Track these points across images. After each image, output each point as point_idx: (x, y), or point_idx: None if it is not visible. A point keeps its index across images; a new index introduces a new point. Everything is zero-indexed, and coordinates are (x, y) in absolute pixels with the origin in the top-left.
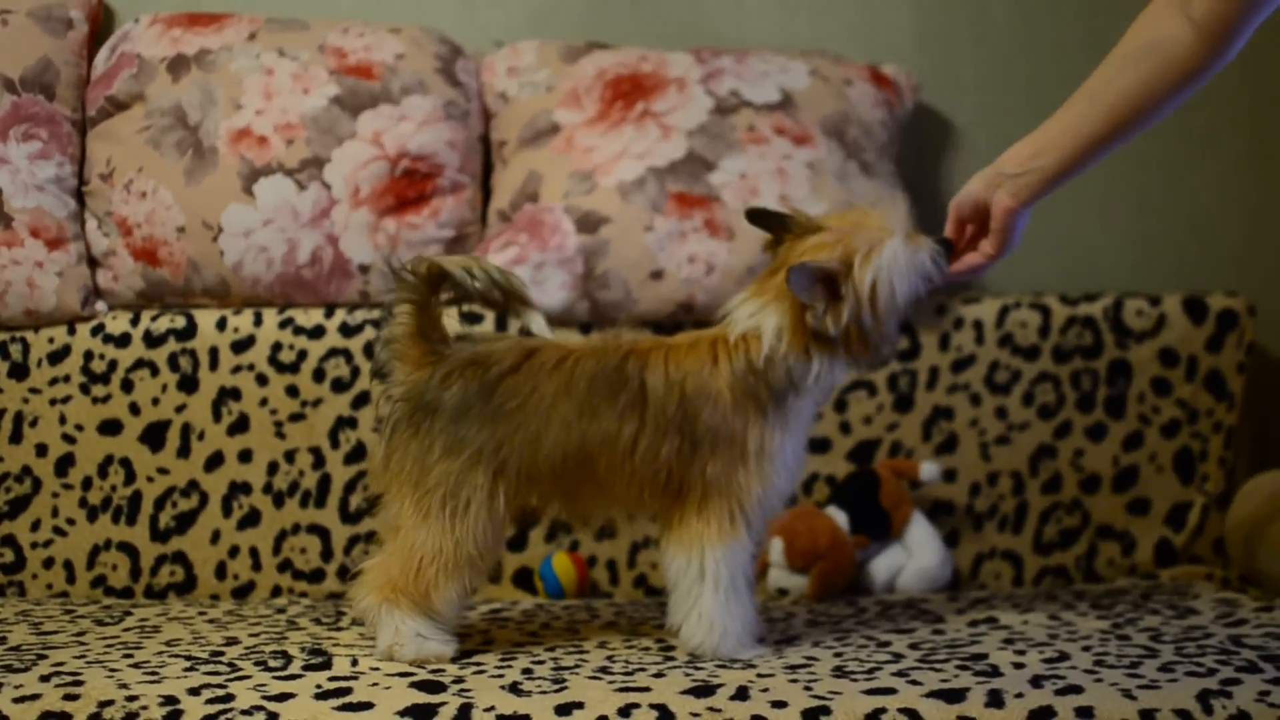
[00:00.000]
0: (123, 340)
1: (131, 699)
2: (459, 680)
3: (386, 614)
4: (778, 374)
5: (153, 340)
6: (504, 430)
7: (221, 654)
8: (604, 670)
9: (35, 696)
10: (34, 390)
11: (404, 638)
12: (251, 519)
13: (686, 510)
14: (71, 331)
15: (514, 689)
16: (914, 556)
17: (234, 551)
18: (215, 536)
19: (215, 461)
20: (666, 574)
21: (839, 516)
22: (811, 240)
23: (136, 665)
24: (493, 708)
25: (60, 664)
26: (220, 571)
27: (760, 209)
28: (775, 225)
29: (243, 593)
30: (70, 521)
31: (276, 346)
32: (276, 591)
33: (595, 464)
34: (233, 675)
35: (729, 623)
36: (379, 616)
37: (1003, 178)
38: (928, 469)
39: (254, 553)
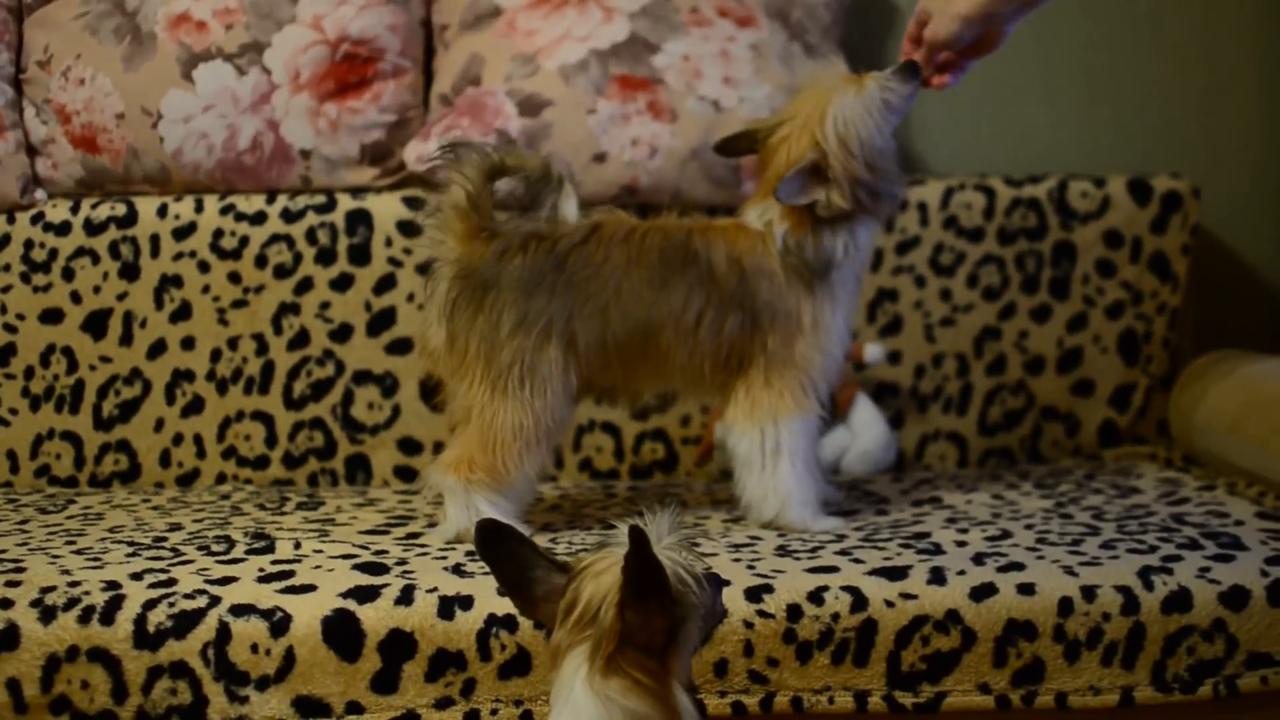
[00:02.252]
0: (63, 228)
1: (74, 584)
2: (402, 562)
3: (463, 493)
4: (806, 257)
5: (93, 228)
6: (575, 300)
7: (164, 539)
8: (547, 552)
9: None
10: None
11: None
12: (195, 406)
13: (753, 385)
14: (11, 220)
15: (457, 570)
16: (858, 438)
17: (178, 439)
18: (159, 424)
19: (158, 349)
20: (735, 450)
21: None
22: (778, 137)
23: (79, 552)
24: (435, 589)
25: (2, 551)
26: (164, 459)
27: (722, 141)
28: (744, 144)
29: (187, 480)
30: (13, 411)
31: (218, 233)
32: (221, 479)
33: (659, 335)
34: (175, 560)
35: (803, 494)
36: (455, 495)
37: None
38: (872, 351)
39: (198, 440)
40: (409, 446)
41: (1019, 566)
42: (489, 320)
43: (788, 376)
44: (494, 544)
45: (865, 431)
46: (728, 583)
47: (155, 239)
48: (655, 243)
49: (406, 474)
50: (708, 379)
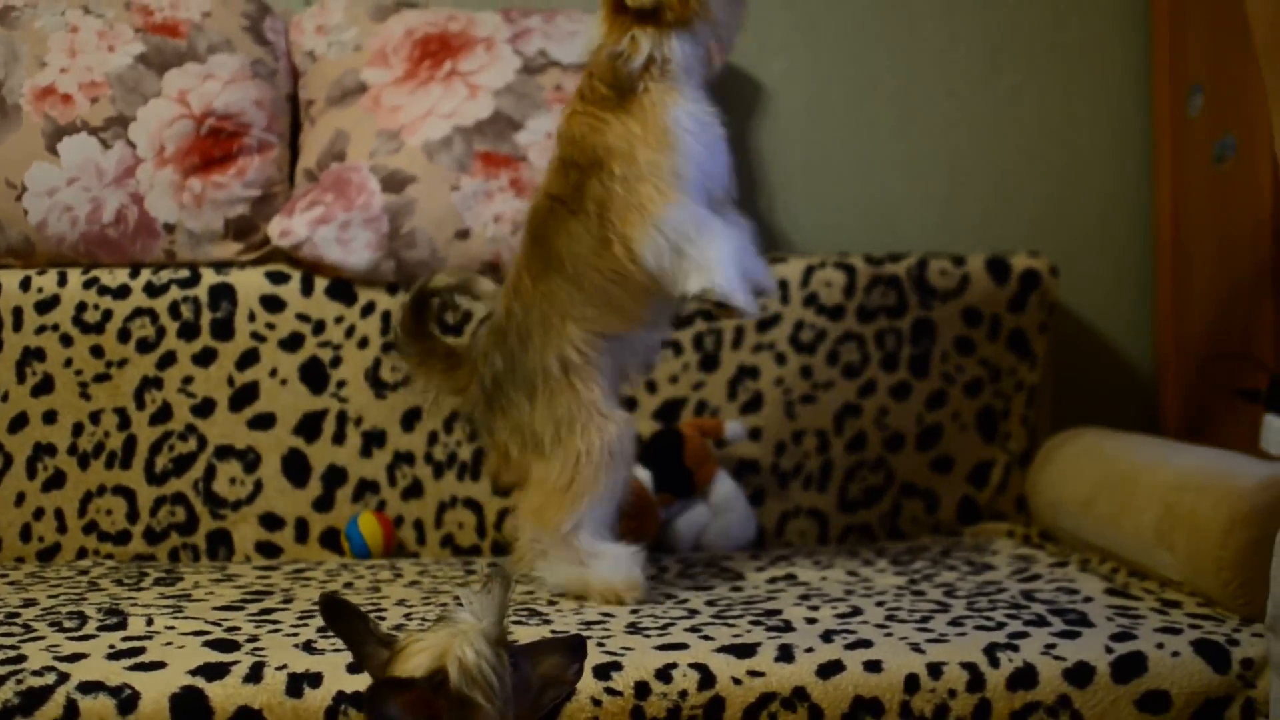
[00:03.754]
0: None
1: None
2: (253, 639)
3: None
4: (620, 72)
5: None
6: (534, 337)
7: (17, 615)
8: (398, 628)
9: None
10: None
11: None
12: (56, 481)
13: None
14: None
15: (307, 647)
16: (718, 515)
17: (39, 513)
18: (20, 499)
19: (19, 423)
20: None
21: (643, 475)
22: None
23: None
24: (285, 665)
25: None
26: (25, 534)
27: None
28: None
29: (48, 555)
30: None
31: (81, 306)
32: (82, 553)
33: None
34: (26, 636)
35: (730, 261)
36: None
37: None
38: (732, 428)
39: (59, 515)
40: (271, 522)
41: (867, 644)
42: (508, 417)
43: (644, 188)
44: (334, 618)
45: (725, 508)
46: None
47: (18, 312)
48: (529, 233)
49: (268, 549)
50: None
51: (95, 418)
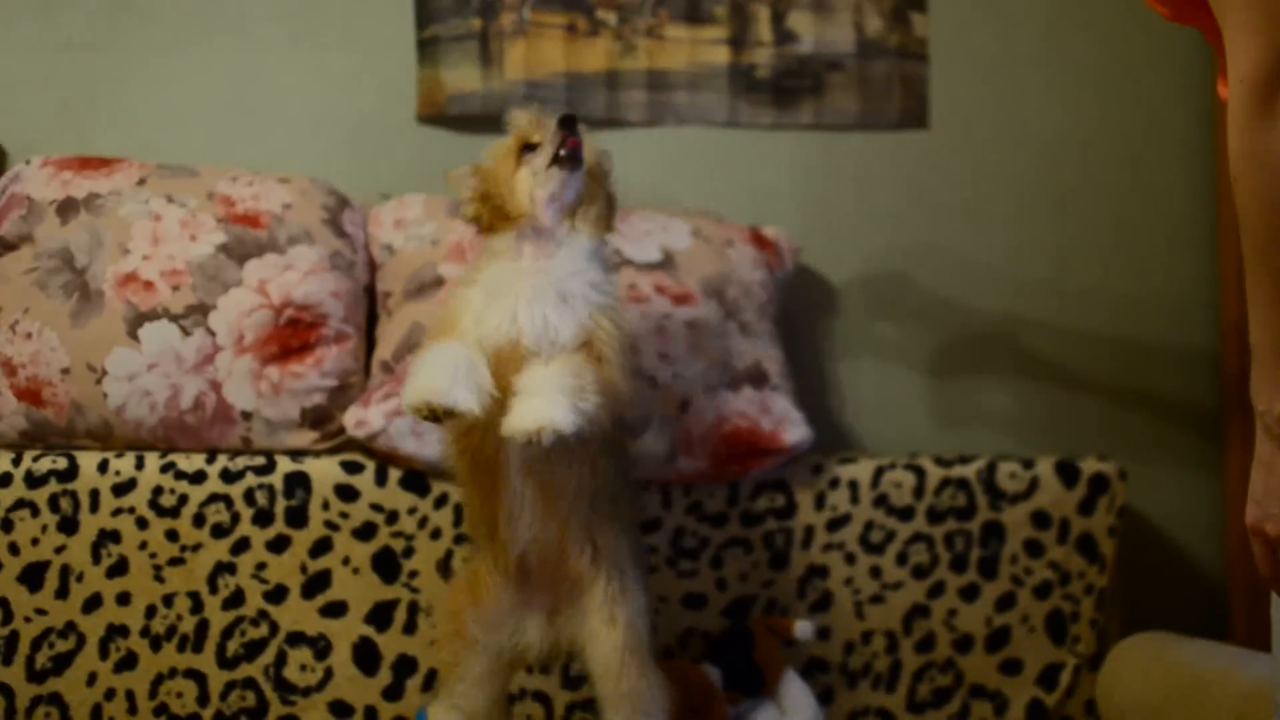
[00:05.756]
0: (4, 480)
1: None
2: None
3: None
4: None
5: (34, 481)
6: None
7: None
8: None
9: None
10: None
11: None
12: (128, 662)
13: None
14: None
15: None
16: (787, 714)
17: (110, 694)
18: (92, 679)
19: (93, 603)
20: None
21: (713, 672)
22: None
23: None
24: None
25: None
26: (96, 714)
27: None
28: None
29: None
30: None
31: (157, 490)
32: None
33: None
34: None
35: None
36: None
37: None
38: (802, 627)
39: (130, 696)
40: (341, 710)
41: None
42: None
43: None
44: None
45: (793, 707)
46: None
47: (95, 494)
48: None
49: None
50: None
51: (168, 600)
